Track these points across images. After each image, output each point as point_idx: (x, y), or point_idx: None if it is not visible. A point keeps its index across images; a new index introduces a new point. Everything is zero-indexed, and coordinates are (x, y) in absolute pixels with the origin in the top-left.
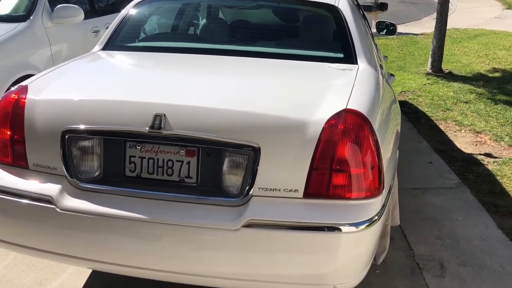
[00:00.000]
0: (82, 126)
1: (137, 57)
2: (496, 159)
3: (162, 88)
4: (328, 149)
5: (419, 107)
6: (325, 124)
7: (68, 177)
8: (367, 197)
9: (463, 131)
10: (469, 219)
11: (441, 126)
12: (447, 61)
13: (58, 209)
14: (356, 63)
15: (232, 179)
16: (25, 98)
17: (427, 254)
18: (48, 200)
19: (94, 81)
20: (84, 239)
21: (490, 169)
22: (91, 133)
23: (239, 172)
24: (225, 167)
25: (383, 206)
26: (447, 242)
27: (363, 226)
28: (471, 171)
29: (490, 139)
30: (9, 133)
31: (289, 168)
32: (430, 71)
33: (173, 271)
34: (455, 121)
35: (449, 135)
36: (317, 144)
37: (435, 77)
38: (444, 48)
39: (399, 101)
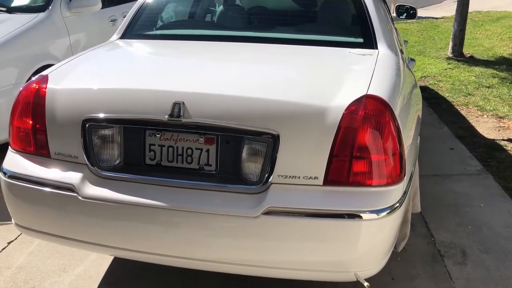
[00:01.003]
0: (102, 115)
1: (155, 45)
2: None
3: (181, 76)
4: (348, 136)
5: (440, 92)
6: (345, 110)
7: (89, 166)
8: (388, 184)
9: (485, 116)
10: (491, 206)
11: (462, 112)
12: (469, 45)
13: (80, 197)
14: (376, 48)
15: (251, 167)
16: (45, 88)
17: (448, 241)
18: (70, 188)
19: (113, 70)
20: (105, 226)
21: None
22: (111, 122)
23: (258, 160)
24: (244, 154)
25: (405, 193)
26: (469, 229)
27: (384, 214)
28: (493, 157)
29: None
30: (31, 122)
31: (309, 156)
32: (451, 55)
33: (193, 258)
34: (477, 106)
35: (470, 121)
36: (337, 131)
37: (456, 62)
38: (466, 32)
39: (420, 86)
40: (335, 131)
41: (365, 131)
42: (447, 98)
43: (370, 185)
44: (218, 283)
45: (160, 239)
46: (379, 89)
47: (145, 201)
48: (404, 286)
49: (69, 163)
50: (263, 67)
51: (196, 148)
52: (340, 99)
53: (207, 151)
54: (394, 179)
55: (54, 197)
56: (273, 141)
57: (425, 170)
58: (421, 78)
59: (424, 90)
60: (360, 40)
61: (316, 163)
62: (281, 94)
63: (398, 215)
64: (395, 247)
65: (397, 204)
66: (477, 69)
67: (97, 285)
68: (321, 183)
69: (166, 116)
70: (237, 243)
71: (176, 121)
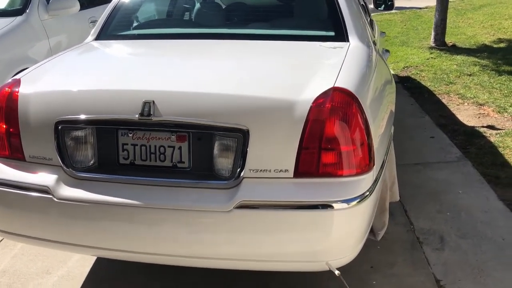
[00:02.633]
0: (74, 117)
1: (129, 45)
2: (498, 131)
3: (151, 75)
4: (316, 128)
5: (422, 82)
6: (313, 103)
7: (64, 167)
8: (357, 174)
9: (466, 104)
10: (470, 192)
11: (443, 100)
12: (451, 34)
13: (55, 199)
14: (348, 40)
15: (223, 162)
16: (18, 92)
17: (427, 228)
18: (45, 190)
19: (84, 72)
20: (82, 226)
21: (493, 141)
22: (83, 123)
23: (229, 155)
24: (216, 150)
25: (375, 182)
26: (447, 216)
27: (354, 203)
28: (473, 144)
29: (493, 111)
30: (4, 126)
31: (279, 149)
32: (434, 44)
33: (170, 254)
34: (458, 94)
35: (451, 109)
36: (305, 124)
37: (439, 51)
38: (448, 21)
39: (402, 76)
40: (303, 124)
41: (333, 123)
42: (429, 87)
43: (340, 176)
44: (201, 279)
45: (137, 237)
46: (347, 81)
47: (120, 200)
48: (383, 273)
49: (44, 165)
50: (233, 63)
51: (169, 146)
52: (308, 93)
53: (180, 148)
54: (363, 169)
55: (30, 200)
56: (243, 136)
57: (407, 159)
58: (403, 68)
59: (407, 80)
60: (332, 33)
61: (286, 156)
62: (249, 90)
63: (369, 204)
64: (374, 236)
65: (367, 193)
66: (459, 58)
67: (80, 286)
68: (292, 176)
69: (137, 115)
70: (212, 237)
71: (147, 120)
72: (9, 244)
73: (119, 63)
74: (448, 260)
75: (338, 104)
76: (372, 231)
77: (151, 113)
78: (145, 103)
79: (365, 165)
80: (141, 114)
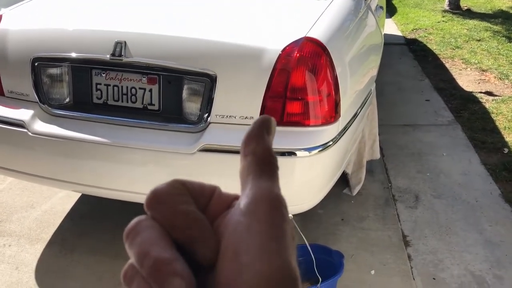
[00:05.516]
0: (49, 54)
1: None
2: (495, 97)
3: (124, 16)
4: (283, 77)
5: (428, 45)
6: (282, 52)
7: (40, 104)
8: (322, 124)
9: (468, 69)
10: (453, 155)
11: (447, 65)
12: None
13: (30, 133)
14: None
15: (192, 107)
16: None
17: (404, 187)
18: (21, 124)
19: (61, 11)
20: (55, 161)
21: (487, 107)
22: (58, 61)
23: (197, 100)
24: (184, 94)
25: (340, 133)
26: (427, 176)
27: (316, 151)
28: (467, 109)
29: (495, 77)
30: None
31: (245, 96)
32: (448, 8)
33: (136, 192)
34: (462, 59)
35: (453, 73)
36: (273, 72)
37: (452, 15)
38: None
39: (409, 39)
40: (270, 72)
41: (299, 73)
42: (434, 51)
43: (304, 125)
44: None
45: (106, 174)
46: (320, 32)
47: (93, 138)
48: (352, 226)
49: (21, 101)
50: (207, 8)
51: (140, 88)
52: (278, 41)
53: (150, 90)
54: (328, 120)
55: (6, 133)
56: (211, 81)
57: (396, 120)
58: (412, 30)
59: (413, 42)
60: None
61: (251, 103)
62: (219, 35)
63: (332, 153)
64: (350, 190)
65: (330, 143)
66: (471, 22)
67: (60, 221)
68: None
69: (108, 56)
70: (176, 177)
71: (118, 60)
72: None
73: (94, 4)
74: (418, 218)
75: (307, 54)
76: (349, 186)
77: (122, 54)
78: (117, 43)
79: (330, 117)
80: (113, 54)
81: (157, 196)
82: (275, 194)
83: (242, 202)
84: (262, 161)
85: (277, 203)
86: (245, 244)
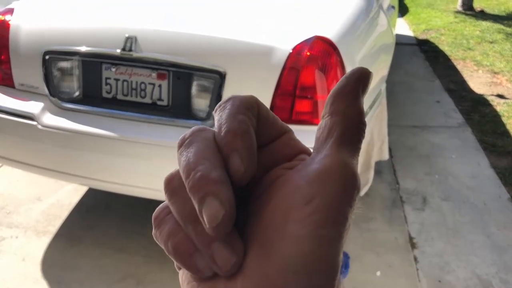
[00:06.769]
0: (61, 47)
1: None
2: (507, 100)
3: (135, 12)
4: (292, 76)
5: (440, 46)
6: (292, 50)
7: (50, 96)
8: None
9: (480, 71)
10: (463, 157)
11: (458, 66)
12: None
13: (39, 126)
14: None
15: (201, 103)
16: (10, 20)
17: (412, 189)
18: (30, 117)
19: (74, 5)
20: (63, 154)
21: (498, 110)
22: (69, 54)
23: (206, 96)
24: (194, 91)
25: None
26: (435, 178)
27: None
28: (477, 111)
29: (507, 80)
30: None
31: (254, 93)
32: (460, 9)
33: (146, 187)
34: (474, 61)
35: (464, 75)
36: (283, 70)
37: (464, 16)
38: None
39: (420, 39)
40: (280, 70)
41: (309, 72)
42: (446, 52)
43: (312, 124)
44: None
45: (113, 168)
46: (331, 31)
47: (101, 132)
48: (358, 227)
49: (31, 93)
50: (218, 5)
51: (149, 83)
52: (289, 39)
53: (160, 86)
54: None
55: (16, 126)
56: (220, 78)
57: (406, 121)
58: (424, 31)
59: (425, 43)
60: None
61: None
62: (230, 33)
63: None
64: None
65: None
66: (484, 24)
67: (67, 214)
68: None
69: (119, 50)
70: None
71: (128, 55)
72: (7, 171)
73: None
74: (426, 220)
75: (317, 53)
76: None
77: (132, 49)
78: (127, 38)
79: None
80: (123, 49)
81: (231, 98)
82: (352, 172)
83: (313, 167)
84: (350, 125)
85: (351, 184)
86: (298, 215)
